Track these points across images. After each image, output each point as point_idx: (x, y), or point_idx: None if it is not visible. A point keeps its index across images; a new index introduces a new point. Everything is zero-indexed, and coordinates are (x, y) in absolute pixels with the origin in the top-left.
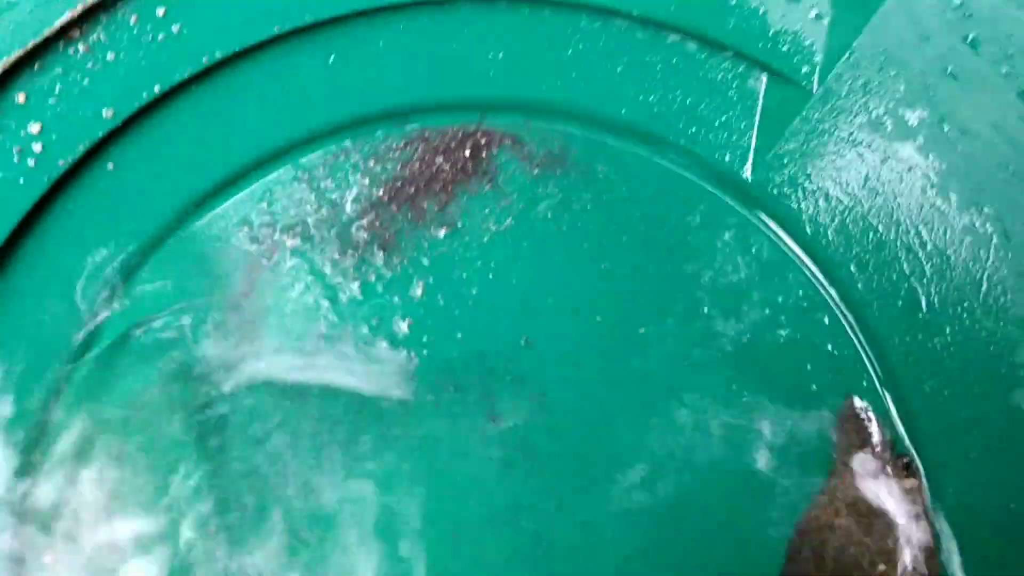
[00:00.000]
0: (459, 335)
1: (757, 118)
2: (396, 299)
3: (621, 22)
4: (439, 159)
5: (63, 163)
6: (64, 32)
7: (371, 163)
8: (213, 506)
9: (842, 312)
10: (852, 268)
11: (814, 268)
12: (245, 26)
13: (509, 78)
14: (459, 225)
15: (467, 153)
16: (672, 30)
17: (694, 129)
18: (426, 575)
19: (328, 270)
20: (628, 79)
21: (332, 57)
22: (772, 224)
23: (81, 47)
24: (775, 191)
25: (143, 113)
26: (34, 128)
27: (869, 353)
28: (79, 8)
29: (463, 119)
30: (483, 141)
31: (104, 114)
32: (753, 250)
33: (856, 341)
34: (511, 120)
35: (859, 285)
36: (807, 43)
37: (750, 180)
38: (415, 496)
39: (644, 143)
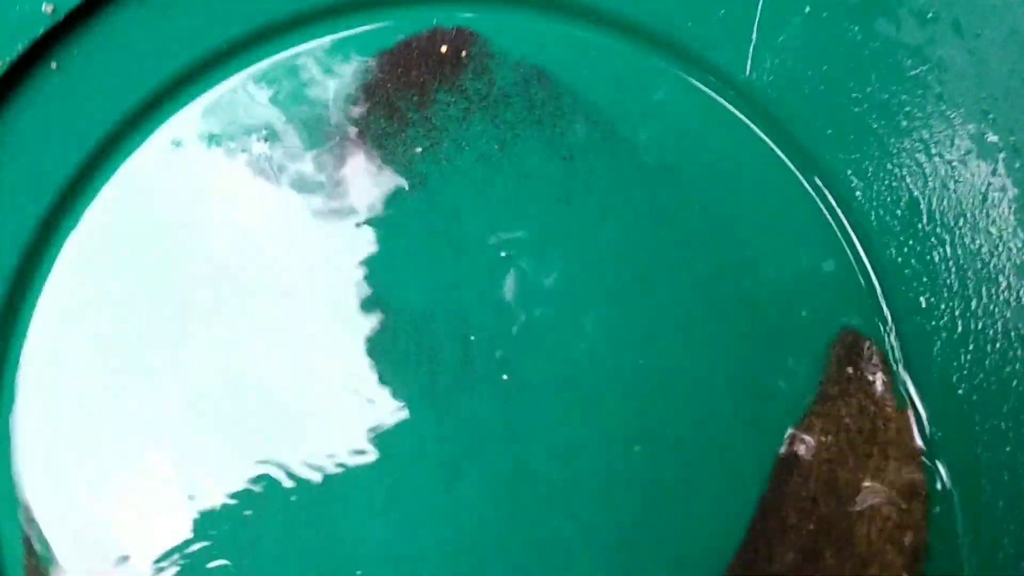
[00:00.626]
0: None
1: (759, 11)
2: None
3: None
4: (414, 55)
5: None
6: None
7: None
8: None
9: (840, 225)
10: (850, 176)
11: (816, 179)
12: None
13: None
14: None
15: (442, 51)
16: None
17: (691, 23)
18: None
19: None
20: None
21: None
22: (768, 129)
23: None
24: (774, 92)
25: (88, 11)
26: None
27: (867, 266)
28: None
29: (439, 13)
30: (458, 39)
31: (44, 9)
32: (748, 155)
33: (851, 256)
34: (487, 16)
35: (857, 194)
36: None
37: (751, 79)
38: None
39: (636, 38)
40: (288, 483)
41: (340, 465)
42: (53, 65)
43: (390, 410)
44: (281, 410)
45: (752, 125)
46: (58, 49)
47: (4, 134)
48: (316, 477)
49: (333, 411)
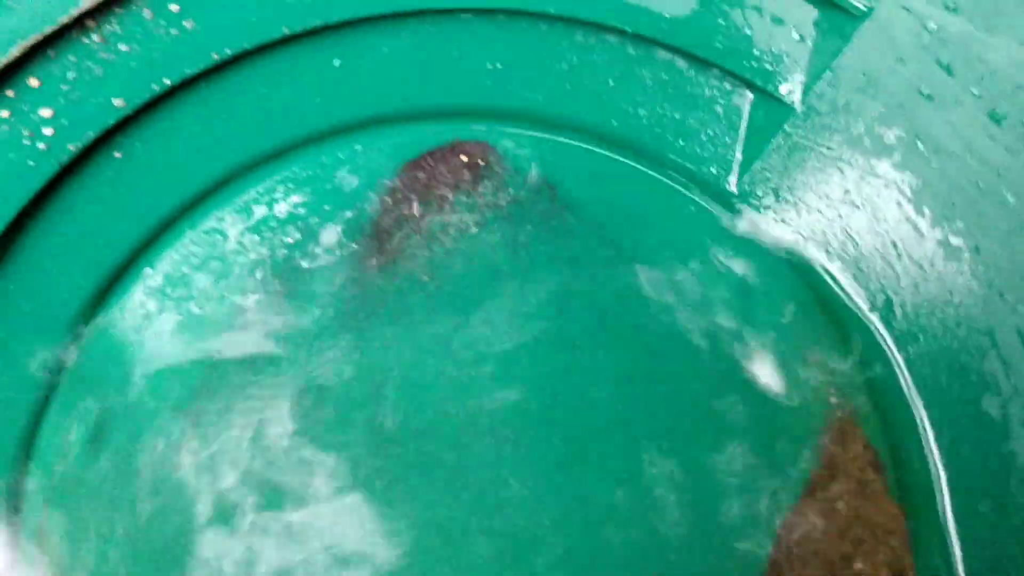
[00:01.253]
0: None
1: (742, 132)
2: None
3: (614, 38)
4: (436, 164)
5: (73, 148)
6: (80, 22)
7: (368, 167)
8: None
9: (817, 311)
10: (830, 273)
11: (792, 274)
12: (255, 26)
13: (504, 88)
14: (451, 229)
15: (463, 160)
16: (662, 47)
17: (682, 142)
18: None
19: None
20: (619, 92)
21: (336, 61)
22: (753, 234)
23: (96, 37)
24: (757, 203)
25: (153, 105)
26: (46, 113)
27: (849, 359)
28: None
29: (457, 127)
30: (476, 151)
31: (115, 103)
32: (732, 257)
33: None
34: (502, 129)
35: (836, 289)
36: (790, 63)
37: (734, 191)
38: None
39: (633, 155)
40: None
41: None
42: (117, 154)
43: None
44: None
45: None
46: (122, 139)
47: (63, 214)
48: None
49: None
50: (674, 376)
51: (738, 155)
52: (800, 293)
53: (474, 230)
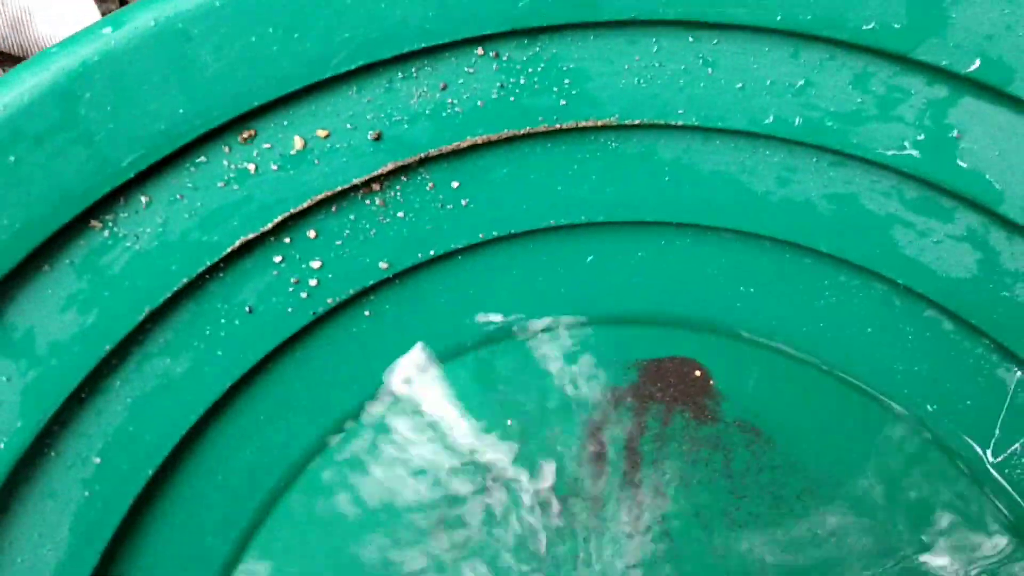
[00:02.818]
0: None
1: (1004, 409)
2: None
3: (881, 286)
4: (668, 372)
5: (331, 301)
6: (368, 184)
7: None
8: None
9: None
10: None
11: None
12: (525, 213)
13: (751, 314)
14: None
15: (696, 375)
16: (930, 305)
17: (933, 407)
18: None
19: None
20: (878, 342)
21: (590, 257)
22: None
23: (378, 200)
24: (1014, 480)
25: (412, 271)
26: (315, 264)
27: None
28: (389, 166)
29: (692, 340)
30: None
31: (380, 265)
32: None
33: None
34: (734, 353)
35: None
36: None
37: (991, 464)
38: None
39: (878, 407)
40: None
41: None
42: (366, 313)
43: None
44: None
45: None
46: (374, 299)
47: (304, 363)
48: None
49: None
50: None
51: (996, 431)
52: None
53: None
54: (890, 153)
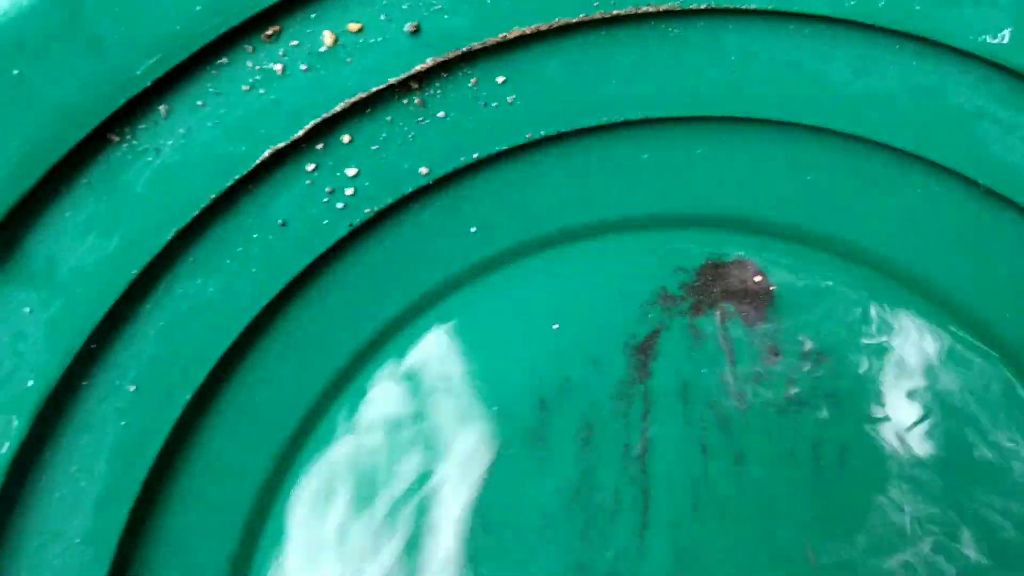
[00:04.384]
0: None
1: None
2: None
3: (963, 187)
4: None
5: (368, 211)
6: (405, 83)
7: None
8: None
9: None
10: None
11: None
12: (576, 109)
13: (823, 220)
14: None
15: (756, 280)
16: (1016, 209)
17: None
18: None
19: None
20: (956, 248)
21: (646, 155)
22: None
23: (416, 100)
24: None
25: (455, 176)
26: (351, 172)
27: None
28: (428, 63)
29: (751, 241)
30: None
31: (420, 171)
32: None
33: None
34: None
35: None
36: None
37: None
38: None
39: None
40: None
41: None
42: (407, 222)
43: None
44: None
45: None
46: (416, 206)
47: (343, 277)
48: None
49: None
50: None
51: None
52: None
53: None
54: (981, 40)
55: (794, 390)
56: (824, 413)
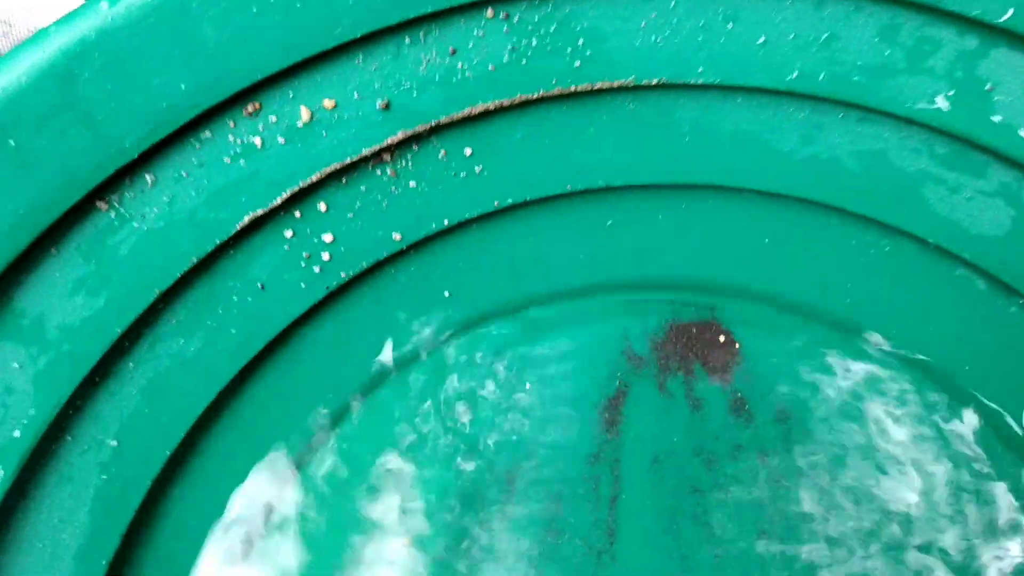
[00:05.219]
0: None
1: None
2: None
3: (911, 245)
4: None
5: (344, 276)
6: (379, 155)
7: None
8: None
9: None
10: None
11: None
12: (542, 179)
13: (766, 270)
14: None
15: (720, 340)
16: (962, 263)
17: (969, 367)
18: None
19: None
20: (907, 303)
21: (609, 221)
22: None
23: (389, 171)
24: None
25: (427, 242)
26: (327, 238)
27: None
28: (399, 136)
29: (711, 302)
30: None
31: (393, 236)
32: None
33: None
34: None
35: None
36: None
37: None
38: None
39: (909, 368)
40: None
41: None
42: (380, 285)
43: None
44: None
45: None
46: (390, 269)
47: (320, 338)
48: None
49: None
50: None
51: None
52: None
53: None
54: (920, 107)
55: (760, 443)
56: (787, 463)
